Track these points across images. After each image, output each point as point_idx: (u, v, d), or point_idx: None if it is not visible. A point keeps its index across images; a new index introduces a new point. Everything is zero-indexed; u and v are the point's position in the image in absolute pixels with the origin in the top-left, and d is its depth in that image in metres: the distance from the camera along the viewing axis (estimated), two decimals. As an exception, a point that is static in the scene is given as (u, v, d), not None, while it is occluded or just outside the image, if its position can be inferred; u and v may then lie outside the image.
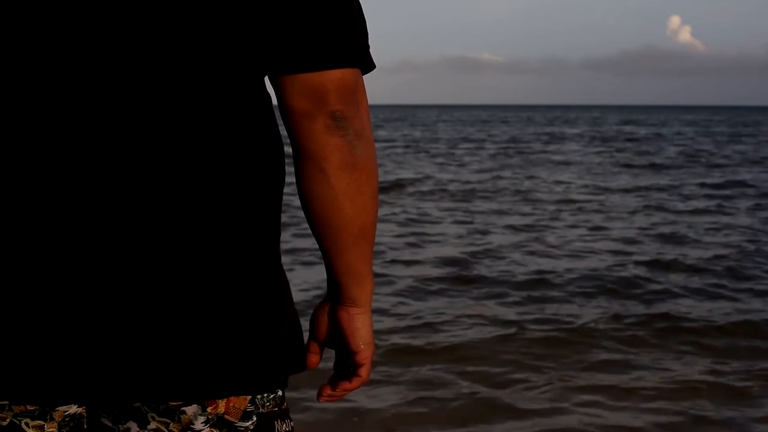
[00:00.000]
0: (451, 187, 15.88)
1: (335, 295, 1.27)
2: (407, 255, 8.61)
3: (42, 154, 1.09)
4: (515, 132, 45.66)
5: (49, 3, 1.08)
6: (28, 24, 1.08)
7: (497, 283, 7.28)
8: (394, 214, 11.71)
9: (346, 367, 1.31)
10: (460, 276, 7.50)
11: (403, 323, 5.95)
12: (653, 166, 21.17)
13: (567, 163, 22.22)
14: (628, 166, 21.30)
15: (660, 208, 12.65)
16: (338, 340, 1.29)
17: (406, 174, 18.22)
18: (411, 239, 9.63)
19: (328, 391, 1.33)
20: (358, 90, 1.17)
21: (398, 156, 24.58)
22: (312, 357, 1.31)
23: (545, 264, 8.13)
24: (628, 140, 35.78)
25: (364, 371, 1.29)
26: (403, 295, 6.84)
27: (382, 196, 11.57)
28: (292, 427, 1.27)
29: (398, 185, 15.75)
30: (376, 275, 6.60)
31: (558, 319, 6.05)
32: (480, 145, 31.69)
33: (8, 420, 1.16)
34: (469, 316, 6.12)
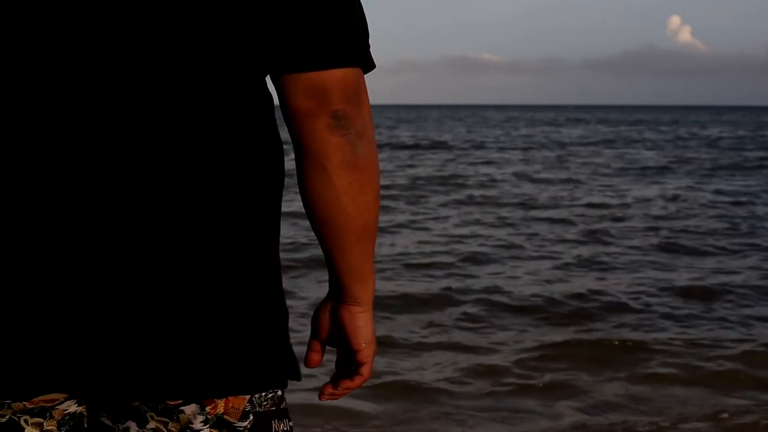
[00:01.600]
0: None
1: (337, 293, 1.27)
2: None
3: (42, 153, 1.09)
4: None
5: (50, 3, 1.08)
6: (29, 24, 1.08)
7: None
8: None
9: (348, 365, 1.30)
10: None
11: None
12: None
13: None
14: None
15: None
16: (340, 339, 1.29)
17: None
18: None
19: (329, 389, 1.33)
20: (360, 89, 1.17)
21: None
22: (313, 356, 1.31)
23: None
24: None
25: (365, 370, 1.29)
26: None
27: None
28: (290, 427, 1.27)
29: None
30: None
31: None
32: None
33: (7, 417, 1.16)
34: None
